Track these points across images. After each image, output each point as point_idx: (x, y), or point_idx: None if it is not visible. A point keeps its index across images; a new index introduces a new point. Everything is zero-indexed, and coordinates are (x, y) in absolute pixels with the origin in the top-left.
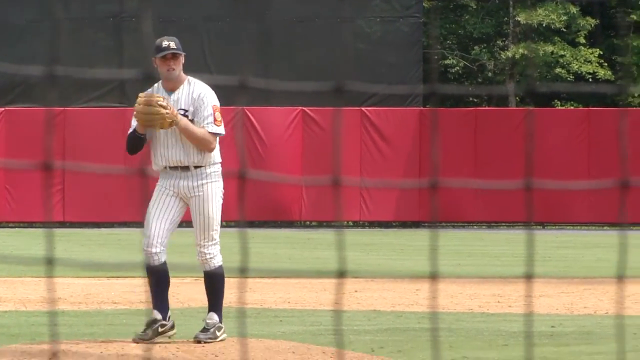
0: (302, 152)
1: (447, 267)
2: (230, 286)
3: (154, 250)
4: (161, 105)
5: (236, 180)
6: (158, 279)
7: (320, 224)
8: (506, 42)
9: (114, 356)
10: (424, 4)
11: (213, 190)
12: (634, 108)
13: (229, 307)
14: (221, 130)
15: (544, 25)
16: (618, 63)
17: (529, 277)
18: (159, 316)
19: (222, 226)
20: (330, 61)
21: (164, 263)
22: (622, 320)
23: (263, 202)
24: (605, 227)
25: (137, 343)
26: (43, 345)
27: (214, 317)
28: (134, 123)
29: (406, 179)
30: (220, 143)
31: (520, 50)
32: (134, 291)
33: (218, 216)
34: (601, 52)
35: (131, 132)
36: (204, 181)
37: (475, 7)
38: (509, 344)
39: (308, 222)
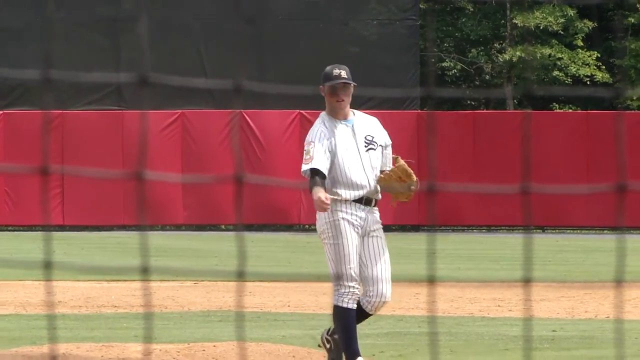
0: (300, 156)
1: (446, 270)
2: (229, 290)
3: (357, 288)
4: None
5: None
6: (356, 321)
7: None
8: (503, 44)
9: (114, 359)
10: (420, 7)
11: (381, 228)
12: (632, 111)
13: (228, 311)
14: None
15: (541, 27)
16: (616, 66)
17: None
18: None
19: (221, 230)
20: (328, 64)
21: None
22: (623, 324)
23: (262, 205)
24: (605, 231)
25: None
26: (43, 348)
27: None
28: (316, 159)
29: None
30: (218, 146)
31: (518, 53)
32: (134, 295)
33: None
34: (599, 55)
35: (319, 179)
36: (379, 218)
37: (472, 9)
38: (509, 348)
39: (307, 226)
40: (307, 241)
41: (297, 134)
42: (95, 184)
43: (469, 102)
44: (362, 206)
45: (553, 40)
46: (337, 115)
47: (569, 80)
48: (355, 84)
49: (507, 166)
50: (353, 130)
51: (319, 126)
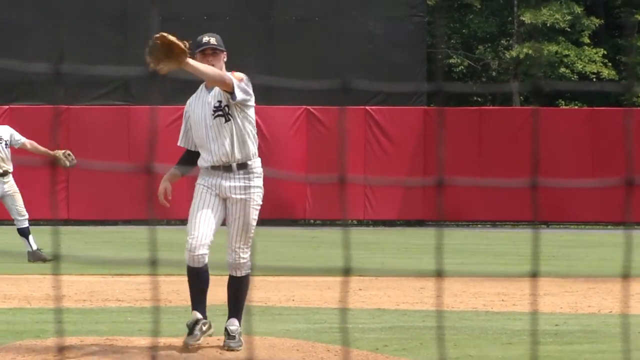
0: (306, 151)
1: (451, 265)
2: None
3: (199, 252)
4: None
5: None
6: (200, 281)
7: (325, 223)
8: (510, 41)
9: (118, 353)
10: (428, 3)
11: (254, 193)
12: (639, 108)
13: None
14: (237, 82)
15: (548, 24)
16: (622, 63)
17: (533, 275)
18: (200, 316)
19: (224, 224)
20: (334, 60)
21: (207, 265)
22: (627, 319)
23: (267, 200)
24: (609, 227)
25: (191, 347)
26: (47, 341)
27: (236, 322)
28: (180, 135)
29: (410, 178)
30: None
31: (525, 50)
32: (138, 289)
33: (255, 221)
34: (605, 52)
35: (186, 153)
36: (247, 183)
37: (479, 6)
38: (512, 342)
39: (312, 221)
40: (312, 236)
41: (304, 129)
42: (100, 178)
43: (475, 98)
44: (217, 172)
45: (560, 37)
46: (207, 83)
47: (575, 77)
48: (224, 50)
49: (513, 162)
50: (208, 99)
51: (190, 98)
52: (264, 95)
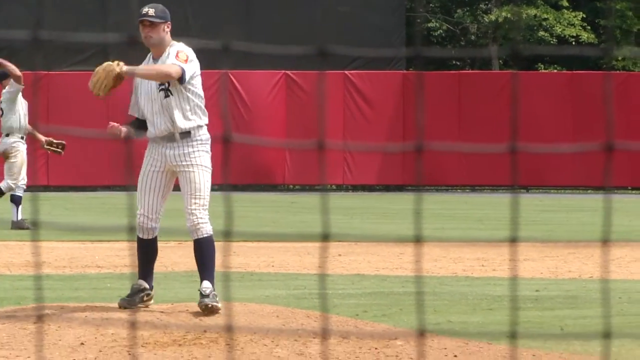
0: (285, 116)
1: (430, 230)
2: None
3: (149, 224)
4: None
5: (220, 144)
6: (149, 251)
7: (304, 188)
8: (489, 5)
9: (98, 319)
10: None
11: (200, 157)
12: (618, 72)
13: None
14: (184, 65)
15: None
16: (601, 26)
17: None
18: (146, 285)
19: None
20: (313, 24)
21: (156, 237)
22: (607, 284)
23: (247, 165)
24: (589, 191)
25: (124, 309)
26: (28, 308)
27: (209, 284)
28: (130, 105)
29: (390, 143)
30: (205, 106)
31: (504, 14)
32: (118, 255)
33: (208, 183)
34: (584, 16)
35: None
36: (191, 149)
37: None
38: (493, 307)
39: (292, 186)
40: (291, 201)
41: (283, 94)
42: (79, 144)
43: (454, 62)
44: (162, 142)
45: (539, 1)
46: (153, 52)
47: (554, 40)
48: (165, 21)
49: (493, 126)
50: None
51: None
52: (243, 61)
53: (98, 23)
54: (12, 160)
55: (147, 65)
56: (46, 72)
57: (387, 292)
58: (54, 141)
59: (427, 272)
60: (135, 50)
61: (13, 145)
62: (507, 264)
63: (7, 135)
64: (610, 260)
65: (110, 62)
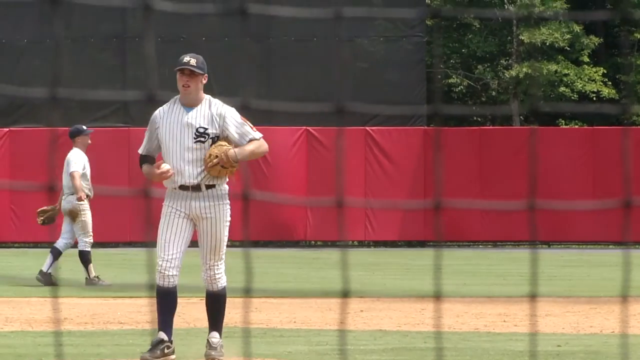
0: (306, 172)
1: (452, 286)
2: (236, 306)
3: (170, 271)
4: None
5: (241, 201)
6: (169, 302)
7: (325, 244)
8: (510, 61)
9: None
10: (427, 23)
11: (223, 211)
12: (637, 127)
13: (234, 327)
14: (257, 133)
15: (547, 44)
16: (622, 82)
17: (533, 296)
18: (166, 337)
19: (227, 246)
20: (334, 81)
21: (176, 286)
22: (627, 339)
23: (268, 222)
24: (610, 246)
25: None
26: None
27: (217, 335)
28: (144, 144)
29: (411, 199)
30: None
31: (524, 69)
32: (140, 311)
33: (226, 237)
34: (605, 71)
35: (142, 156)
36: (215, 202)
37: (478, 26)
38: None
39: (313, 242)
40: (313, 257)
41: (304, 150)
42: (100, 201)
43: (475, 118)
44: (186, 193)
45: (559, 57)
46: (182, 100)
47: (575, 96)
48: (204, 73)
49: (514, 182)
50: (188, 120)
51: (159, 110)
52: (263, 116)
53: (117, 79)
54: (82, 219)
55: (248, 148)
56: (66, 129)
57: (409, 348)
58: (47, 208)
59: (449, 328)
60: (154, 107)
61: (79, 203)
62: (528, 320)
63: (72, 194)
64: (632, 315)
65: (224, 145)
